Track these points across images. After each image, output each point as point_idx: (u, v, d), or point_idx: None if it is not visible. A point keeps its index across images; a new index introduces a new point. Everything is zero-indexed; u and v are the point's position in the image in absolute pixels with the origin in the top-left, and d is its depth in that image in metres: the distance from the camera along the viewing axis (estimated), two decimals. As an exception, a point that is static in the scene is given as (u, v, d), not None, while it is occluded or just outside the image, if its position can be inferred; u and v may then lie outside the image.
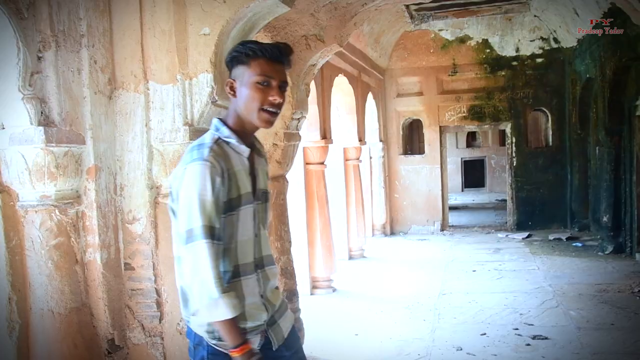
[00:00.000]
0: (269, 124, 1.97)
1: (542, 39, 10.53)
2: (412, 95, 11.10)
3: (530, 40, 10.57)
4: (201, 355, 1.99)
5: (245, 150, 1.98)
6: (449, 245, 9.72)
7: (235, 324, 1.87)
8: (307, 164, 6.76)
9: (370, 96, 9.78)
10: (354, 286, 7.16)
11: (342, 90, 8.22)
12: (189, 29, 2.78)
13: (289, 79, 2.04)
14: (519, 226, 10.77)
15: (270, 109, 1.94)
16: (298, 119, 4.29)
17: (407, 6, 9.37)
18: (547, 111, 10.80)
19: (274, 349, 2.06)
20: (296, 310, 4.72)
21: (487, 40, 10.72)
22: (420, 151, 11.55)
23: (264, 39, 3.72)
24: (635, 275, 6.83)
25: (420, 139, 11.52)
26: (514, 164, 10.93)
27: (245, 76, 1.93)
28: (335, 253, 7.08)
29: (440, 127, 11.01)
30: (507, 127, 10.91)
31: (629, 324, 5.19)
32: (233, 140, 1.96)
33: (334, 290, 6.91)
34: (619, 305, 5.73)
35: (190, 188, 1.83)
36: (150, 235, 2.85)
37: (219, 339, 1.93)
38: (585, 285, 6.53)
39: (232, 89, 1.98)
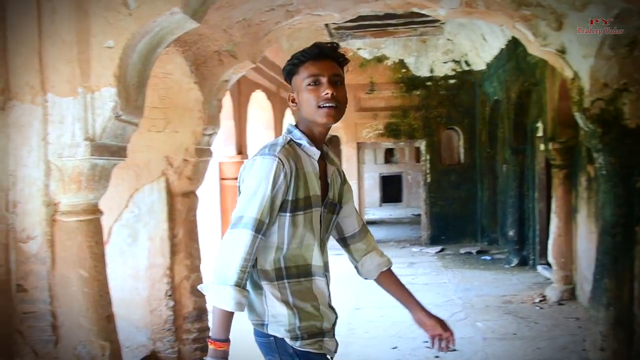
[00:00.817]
0: (331, 117, 1.94)
1: (455, 61, 11.02)
2: (331, 112, 11.23)
3: (444, 62, 11.03)
4: (278, 352, 1.95)
5: (315, 152, 1.99)
6: (365, 259, 9.84)
7: (230, 320, 1.85)
8: (222, 179, 6.67)
9: (288, 112, 9.81)
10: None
11: (260, 105, 8.20)
12: (92, 40, 2.67)
13: (339, 71, 1.99)
14: (433, 240, 11.13)
15: (327, 104, 1.92)
16: (210, 134, 4.23)
17: (327, 25, 9.53)
18: (459, 130, 11.28)
19: (332, 357, 2.06)
20: (206, 329, 4.62)
21: (403, 60, 11.08)
22: (340, 167, 11.69)
23: (174, 53, 3.66)
24: (536, 286, 7.22)
25: (339, 155, 11.68)
26: (428, 180, 11.31)
27: (299, 83, 1.97)
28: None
29: (357, 143, 11.24)
30: (422, 145, 11.29)
31: (530, 333, 5.46)
32: (304, 142, 1.98)
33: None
34: (522, 315, 6.02)
35: (254, 179, 1.86)
36: (46, 254, 2.69)
37: (302, 338, 1.93)
38: (492, 297, 6.82)
39: (293, 101, 2.03)
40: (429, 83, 11.09)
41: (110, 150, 2.80)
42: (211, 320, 1.87)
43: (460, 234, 11.12)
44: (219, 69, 3.99)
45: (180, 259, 4.36)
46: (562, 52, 4.03)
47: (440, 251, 10.41)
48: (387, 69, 11.12)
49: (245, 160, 1.96)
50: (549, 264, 7.29)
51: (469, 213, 11.14)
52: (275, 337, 1.95)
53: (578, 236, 6.31)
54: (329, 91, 1.91)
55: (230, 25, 3.71)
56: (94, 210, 2.83)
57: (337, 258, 10.71)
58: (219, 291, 1.80)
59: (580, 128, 6.04)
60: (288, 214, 1.91)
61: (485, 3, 3.67)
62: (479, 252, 9.87)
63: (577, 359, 4.68)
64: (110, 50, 2.66)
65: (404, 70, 11.12)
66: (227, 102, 6.52)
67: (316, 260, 2.00)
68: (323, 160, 2.05)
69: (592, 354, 4.22)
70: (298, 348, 1.93)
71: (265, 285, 1.94)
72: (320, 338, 1.98)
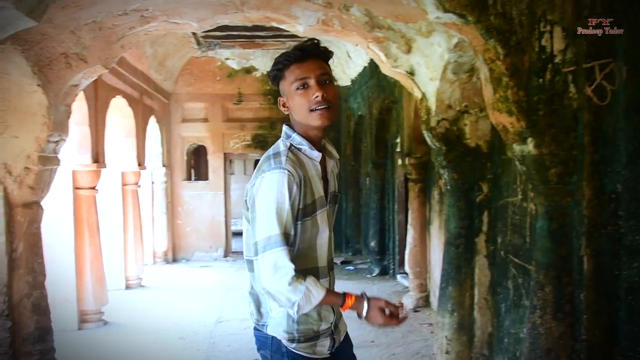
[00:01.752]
0: (325, 119, 1.96)
1: (322, 76, 11.28)
2: (198, 121, 11.03)
3: (311, 77, 11.26)
4: (270, 349, 2.04)
5: (317, 155, 2.02)
6: (230, 271, 9.74)
7: (329, 293, 1.94)
8: (77, 188, 6.22)
9: (153, 120, 9.45)
10: (129, 318, 6.73)
11: (121, 112, 7.79)
12: None
13: (326, 69, 2.00)
14: (300, 251, 11.25)
15: (318, 107, 1.94)
16: (56, 141, 3.92)
17: (194, 32, 9.34)
18: (325, 143, 11.54)
19: (333, 351, 2.12)
20: (50, 350, 4.26)
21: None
22: (206, 177, 11.48)
23: (12, 52, 3.35)
24: (395, 294, 7.56)
25: (207, 165, 11.45)
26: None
27: (287, 88, 1.99)
28: (107, 284, 6.60)
29: (224, 154, 11.09)
30: (290, 157, 11.40)
31: (386, 339, 5.68)
32: (305, 147, 2.00)
33: (106, 323, 6.42)
34: (379, 323, 6.25)
35: (268, 196, 1.88)
36: None
37: (298, 341, 2.01)
38: (352, 307, 7.01)
39: (284, 105, 2.04)
40: (296, 96, 11.23)
41: None
42: (328, 306, 2.02)
43: (326, 245, 11.34)
44: (67, 72, 3.71)
45: (20, 275, 3.98)
46: (411, 73, 4.28)
47: (306, 262, 10.54)
48: (256, 80, 11.12)
49: (252, 179, 2.01)
50: (407, 273, 7.68)
51: (334, 224, 11.39)
52: (273, 337, 2.04)
53: (431, 247, 6.72)
54: (319, 93, 1.93)
55: (79, 27, 3.46)
56: None
57: (204, 270, 10.45)
58: (306, 298, 1.88)
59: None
60: (299, 222, 1.95)
61: (341, 23, 3.80)
62: (343, 263, 10.14)
63: (428, 362, 4.97)
64: None
65: (272, 83, 11.18)
66: (83, 107, 6.12)
67: (322, 261, 2.06)
68: (323, 156, 2.08)
69: (439, 357, 4.49)
70: (292, 349, 2.02)
71: None
72: (314, 341, 2.05)
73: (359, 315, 2.03)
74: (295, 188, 1.90)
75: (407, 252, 6.98)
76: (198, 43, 9.94)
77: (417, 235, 6.84)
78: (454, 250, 4.34)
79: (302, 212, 1.96)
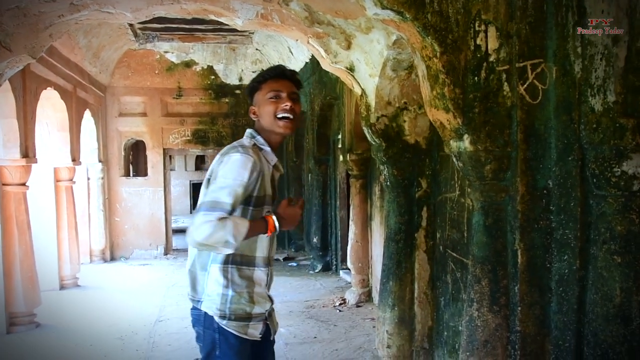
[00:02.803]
0: (288, 128, 2.29)
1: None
2: (136, 116, 10.71)
3: (253, 72, 11.12)
4: (212, 338, 2.24)
5: (274, 159, 2.33)
6: (171, 269, 9.53)
7: (253, 222, 2.13)
8: (4, 184, 5.90)
9: (88, 113, 9.10)
10: (64, 319, 6.46)
11: (52, 105, 7.46)
12: None
13: (296, 91, 2.34)
14: (242, 248, 11.13)
15: (284, 115, 2.26)
16: (-22, 136, 3.69)
17: (131, 24, 9.04)
18: (267, 139, 11.46)
19: (271, 339, 2.40)
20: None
21: (212, 67, 10.96)
22: (146, 173, 11.17)
23: None
24: (338, 290, 7.60)
25: (147, 161, 11.14)
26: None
27: (261, 98, 2.31)
28: (40, 284, 6.31)
29: (164, 149, 10.82)
30: (232, 153, 11.25)
31: (329, 335, 5.70)
32: (267, 148, 2.31)
33: (38, 325, 6.13)
34: (322, 319, 6.27)
35: (230, 171, 2.12)
36: None
37: (229, 319, 2.21)
38: (295, 303, 7.01)
39: (255, 113, 2.35)
40: (237, 91, 11.10)
41: None
42: (252, 234, 2.15)
43: (268, 241, 11.26)
44: (-11, 61, 3.50)
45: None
46: (351, 70, 4.28)
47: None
48: (196, 75, 10.90)
49: (217, 158, 2.26)
50: (349, 269, 7.73)
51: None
52: (205, 313, 2.24)
53: (373, 242, 6.78)
54: (289, 103, 2.26)
55: (1, 12, 3.26)
56: None
57: (144, 268, 10.18)
58: (234, 231, 2.03)
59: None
60: (251, 208, 2.21)
61: (280, 17, 3.75)
62: (285, 259, 10.11)
63: (370, 357, 4.99)
64: None
65: (213, 77, 11.00)
66: (10, 98, 5.80)
67: (260, 252, 2.29)
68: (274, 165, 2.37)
69: (380, 351, 4.53)
70: (222, 326, 2.21)
71: (212, 266, 2.23)
72: (247, 322, 2.25)
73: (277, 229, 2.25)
74: (254, 175, 2.15)
75: (349, 247, 7.02)
76: (135, 35, 9.64)
77: (359, 230, 6.89)
78: (394, 245, 4.38)
79: (255, 201, 2.22)
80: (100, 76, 9.82)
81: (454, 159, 3.10)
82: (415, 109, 4.23)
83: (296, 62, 9.62)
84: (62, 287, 7.82)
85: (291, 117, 2.28)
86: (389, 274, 4.41)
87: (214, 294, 2.22)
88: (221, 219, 2.04)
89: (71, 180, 8.05)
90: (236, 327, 2.22)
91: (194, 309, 2.30)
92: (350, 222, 7.06)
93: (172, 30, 9.58)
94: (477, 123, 2.86)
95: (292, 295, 7.47)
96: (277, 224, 2.20)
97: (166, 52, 10.69)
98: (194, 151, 12.09)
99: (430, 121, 4.24)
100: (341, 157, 7.56)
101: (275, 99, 2.27)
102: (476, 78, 2.84)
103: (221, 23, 8.97)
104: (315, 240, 9.13)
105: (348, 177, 8.17)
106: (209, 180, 2.20)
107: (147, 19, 3.99)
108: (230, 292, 2.21)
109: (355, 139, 6.69)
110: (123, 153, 10.76)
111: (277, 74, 2.33)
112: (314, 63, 8.67)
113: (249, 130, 2.36)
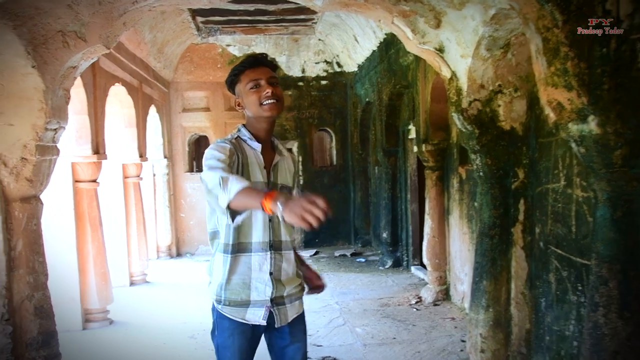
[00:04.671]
0: (273, 110, 2.33)
1: (327, 62, 10.93)
2: (199, 111, 10.66)
3: (316, 63, 10.91)
4: (213, 320, 2.46)
5: (257, 145, 2.38)
6: (238, 266, 9.42)
7: (249, 190, 2.03)
8: (76, 181, 5.88)
9: (153, 109, 9.08)
10: (135, 316, 6.42)
11: (120, 101, 7.44)
12: None
13: (274, 74, 2.39)
14: (307, 243, 10.94)
15: (268, 101, 2.31)
16: (55, 129, 3.57)
17: (194, 17, 8.96)
18: (331, 131, 11.22)
19: (276, 326, 2.41)
20: (55, 356, 3.94)
21: (274, 59, 10.78)
22: (209, 169, 11.09)
23: (3, 28, 2.99)
24: (411, 287, 7.26)
25: (209, 157, 11.07)
26: (301, 182, 11.11)
27: (242, 89, 2.38)
28: (111, 281, 6.28)
29: (228, 144, 10.71)
30: (294, 146, 11.07)
31: (408, 336, 5.39)
32: (247, 138, 2.38)
33: (111, 322, 6.12)
34: (399, 318, 5.96)
35: (209, 153, 2.22)
36: None
37: (224, 304, 2.37)
38: (369, 301, 6.72)
39: (239, 105, 2.44)
40: (300, 83, 10.89)
41: None
42: (247, 205, 2.04)
43: (334, 237, 11.04)
44: (64, 52, 3.36)
45: (20, 275, 3.66)
46: (440, 50, 3.93)
47: (314, 254, 10.25)
48: (259, 68, 10.73)
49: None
50: (422, 265, 7.38)
51: (342, 215, 11.10)
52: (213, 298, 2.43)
53: (451, 237, 6.39)
54: (269, 90, 2.31)
55: (77, 1, 3.11)
56: None
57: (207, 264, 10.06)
58: (227, 190, 2.02)
59: (452, 130, 6.15)
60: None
61: (365, -5, 3.44)
62: (353, 255, 9.83)
63: (456, 360, 4.67)
64: None
65: (275, 70, 10.81)
66: (81, 94, 5.76)
67: (257, 237, 2.34)
68: (273, 151, 2.45)
69: (473, 356, 4.17)
70: (219, 310, 2.39)
71: (217, 254, 2.38)
72: (244, 307, 2.36)
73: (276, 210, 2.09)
74: (229, 150, 2.24)
75: (424, 243, 6.66)
76: (198, 29, 9.56)
77: (436, 225, 6.52)
78: (488, 241, 4.01)
79: None
80: (164, 71, 9.80)
81: (574, 145, 2.71)
82: (511, 92, 3.84)
83: (362, 51, 9.30)
84: (132, 284, 7.83)
85: (274, 100, 2.32)
86: (482, 272, 4.05)
87: (216, 281, 2.39)
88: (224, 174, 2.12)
89: (138, 176, 8.04)
90: (231, 312, 2.37)
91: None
92: (426, 216, 6.69)
93: (234, 23, 9.44)
94: (605, 102, 2.47)
95: (364, 292, 7.18)
96: (278, 203, 1.88)
97: (228, 45, 10.57)
98: (257, 145, 11.96)
99: (527, 105, 3.89)
100: (414, 148, 7.19)
101: (255, 88, 2.33)
102: (605, 49, 2.45)
103: (284, 13, 8.87)
104: (384, 235, 8.80)
105: (420, 169, 7.81)
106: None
107: (224, 2, 3.77)
108: (224, 280, 2.34)
109: (431, 128, 6.31)
110: (187, 149, 10.75)
111: (252, 63, 2.39)
112: (381, 51, 8.34)
113: (238, 126, 2.47)
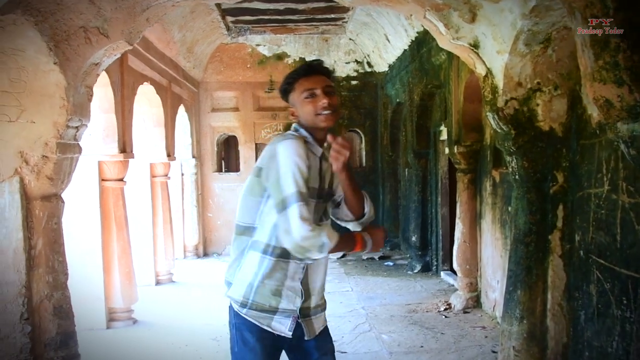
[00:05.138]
0: (329, 120, 2.25)
1: (357, 62, 10.78)
2: (228, 111, 10.63)
3: (346, 63, 10.76)
4: (231, 334, 2.32)
5: (319, 150, 2.30)
6: (264, 267, 9.33)
7: (342, 236, 2.20)
8: (103, 180, 5.86)
9: (182, 109, 9.06)
10: (159, 316, 6.38)
11: (148, 100, 7.42)
12: None
13: (330, 83, 2.29)
14: (334, 246, 10.78)
15: (324, 112, 2.22)
16: (76, 127, 3.51)
17: (224, 17, 8.92)
18: (360, 132, 11.05)
19: (306, 339, 2.30)
20: (74, 357, 3.89)
21: (304, 58, 10.66)
22: (237, 169, 11.07)
23: (25, 24, 2.93)
24: (441, 293, 7.04)
25: (238, 156, 11.04)
26: (330, 184, 10.96)
27: (296, 98, 2.28)
28: (136, 280, 6.25)
29: (256, 144, 10.65)
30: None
31: (437, 345, 5.19)
32: (310, 140, 2.28)
33: (135, 322, 6.08)
34: (427, 325, 5.76)
35: (286, 159, 2.11)
36: None
37: (250, 307, 2.23)
38: (396, 306, 6.53)
39: (294, 114, 2.34)
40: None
41: None
42: (345, 250, 2.32)
43: (362, 239, 10.84)
44: (86, 48, 3.29)
45: (40, 274, 3.61)
46: (475, 46, 3.73)
47: (342, 257, 10.08)
48: (288, 67, 10.61)
49: (265, 152, 2.25)
50: (452, 270, 7.14)
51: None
52: (230, 304, 2.31)
53: (483, 242, 6.16)
54: (326, 100, 2.21)
55: (99, -4, 3.04)
56: None
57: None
58: (322, 243, 2.10)
59: (486, 131, 5.93)
60: None
61: (397, -12, 3.28)
62: (381, 258, 9.63)
63: (486, 372, 4.46)
64: None
65: (305, 70, 10.70)
66: (109, 93, 5.74)
67: None
68: (322, 157, 2.34)
69: (504, 369, 3.96)
70: (242, 315, 2.24)
71: (250, 252, 2.24)
72: (270, 315, 2.24)
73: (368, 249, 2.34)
74: (305, 154, 2.15)
75: (455, 248, 6.44)
76: (228, 29, 9.52)
77: (467, 230, 6.29)
78: (523, 248, 3.80)
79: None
80: (194, 71, 9.79)
81: (623, 146, 2.50)
82: (550, 90, 3.62)
83: (393, 50, 9.11)
84: (157, 283, 7.81)
85: (330, 111, 2.24)
86: (517, 281, 3.83)
87: (243, 280, 2.25)
88: (316, 225, 2.13)
89: (166, 175, 8.02)
90: (257, 317, 2.24)
91: (227, 294, 2.35)
92: (457, 221, 6.47)
93: (264, 23, 9.38)
94: (660, 98, 2.26)
95: (392, 297, 6.99)
96: (368, 241, 2.31)
97: (258, 45, 10.51)
98: (286, 146, 11.87)
99: (568, 104, 3.66)
100: (445, 150, 6.97)
101: (311, 98, 2.24)
102: (660, 41, 2.24)
103: (314, 12, 8.75)
104: (413, 238, 8.58)
105: (451, 172, 7.59)
106: (260, 170, 2.22)
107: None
108: (257, 282, 2.23)
109: (464, 129, 6.10)
110: (216, 148, 10.72)
111: (306, 71, 2.29)
112: (413, 50, 8.15)
113: (294, 125, 2.36)
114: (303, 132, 2.29)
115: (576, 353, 3.65)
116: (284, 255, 2.21)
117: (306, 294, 2.29)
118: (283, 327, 2.25)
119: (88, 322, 5.41)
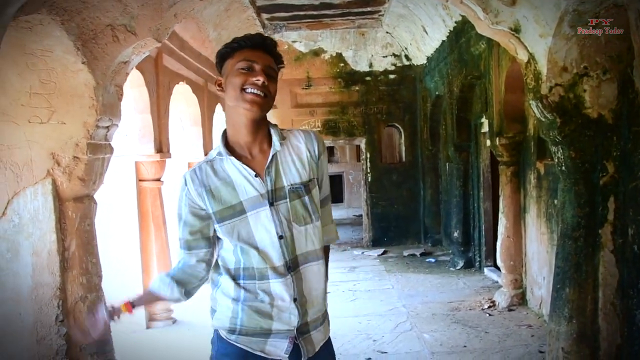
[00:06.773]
0: (255, 104, 1.82)
1: (395, 55, 10.58)
2: (265, 108, 10.59)
3: (383, 56, 10.57)
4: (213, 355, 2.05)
5: (233, 159, 1.89)
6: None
7: (152, 295, 2.09)
8: (140, 180, 5.89)
9: (219, 108, 9.07)
10: (198, 316, 6.36)
11: (185, 99, 7.44)
12: None
13: (274, 67, 1.90)
14: (375, 242, 10.65)
15: (253, 90, 1.82)
16: (107, 127, 3.49)
17: (259, 14, 8.88)
18: (399, 127, 10.85)
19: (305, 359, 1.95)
20: (111, 360, 3.88)
21: (341, 54, 10.55)
22: (276, 167, 11.02)
23: (51, 23, 2.91)
24: (484, 290, 6.82)
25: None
26: (369, 180, 10.82)
27: (229, 67, 1.87)
28: (175, 280, 6.26)
29: (295, 141, 10.59)
30: (362, 143, 10.79)
31: (480, 344, 5.00)
32: (221, 154, 1.91)
33: (175, 321, 6.10)
34: (470, 324, 5.56)
35: (176, 202, 1.99)
36: None
37: (239, 334, 1.94)
38: (438, 304, 6.35)
39: (220, 85, 1.93)
40: (368, 78, 10.59)
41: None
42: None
43: (403, 235, 10.68)
44: (114, 47, 3.26)
45: (74, 276, 3.61)
46: (516, 31, 3.53)
47: (382, 254, 9.93)
48: (325, 63, 10.54)
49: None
50: (496, 266, 6.91)
51: (411, 213, 10.71)
52: (215, 331, 2.02)
53: (527, 237, 5.91)
54: (261, 78, 1.82)
55: (124, -8, 2.99)
56: None
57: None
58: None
59: (529, 121, 5.68)
60: (217, 225, 1.92)
61: (432, -32, 3.12)
62: (422, 254, 9.43)
63: (533, 373, 4.25)
64: None
65: (342, 65, 10.58)
66: (144, 93, 5.76)
67: (272, 262, 1.88)
68: (268, 147, 1.92)
69: (552, 372, 3.75)
70: (232, 342, 1.94)
71: (223, 279, 1.95)
72: (264, 339, 1.92)
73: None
74: (192, 197, 1.92)
75: (498, 243, 6.20)
76: (263, 26, 9.48)
77: (511, 224, 6.05)
78: (571, 243, 3.58)
79: (217, 216, 1.90)
80: (230, 70, 9.79)
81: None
82: (598, 75, 3.39)
83: (431, 42, 8.89)
84: (197, 282, 7.82)
85: (262, 94, 1.83)
86: (565, 278, 3.62)
87: (225, 308, 1.96)
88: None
89: (204, 174, 8.02)
90: (248, 343, 1.92)
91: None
92: (500, 215, 6.23)
93: (299, 19, 9.30)
94: None
95: (433, 295, 6.81)
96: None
97: (294, 41, 10.44)
98: (325, 142, 11.79)
99: (618, 89, 3.43)
100: (487, 143, 6.73)
101: (246, 70, 1.84)
102: None
103: (350, 6, 8.61)
104: (455, 234, 8.35)
105: (493, 165, 7.33)
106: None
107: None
108: (240, 306, 1.92)
109: (506, 120, 5.86)
110: (254, 147, 10.71)
111: (255, 43, 1.89)
112: (451, 41, 7.91)
113: (221, 133, 1.99)
114: (220, 148, 1.93)
115: (632, 355, 3.41)
116: (259, 277, 1.90)
117: (302, 309, 1.93)
118: (279, 350, 1.93)
119: (128, 323, 5.45)
